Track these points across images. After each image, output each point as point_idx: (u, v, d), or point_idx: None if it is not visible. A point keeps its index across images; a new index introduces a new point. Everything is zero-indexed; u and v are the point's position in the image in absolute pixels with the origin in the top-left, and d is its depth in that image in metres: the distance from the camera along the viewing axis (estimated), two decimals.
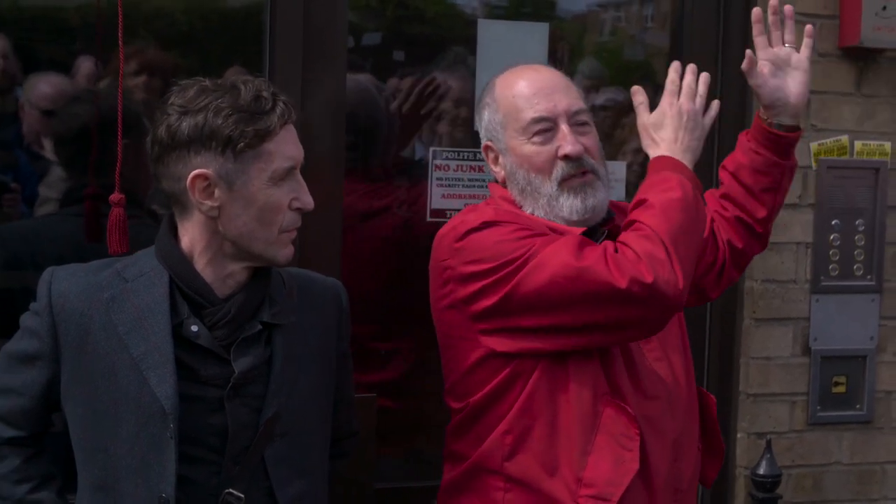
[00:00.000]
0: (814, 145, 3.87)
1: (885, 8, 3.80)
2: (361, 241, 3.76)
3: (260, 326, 2.47)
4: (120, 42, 2.80)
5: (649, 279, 2.52)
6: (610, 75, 4.10)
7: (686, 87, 2.80)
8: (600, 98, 4.01)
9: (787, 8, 3.01)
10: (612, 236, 2.78)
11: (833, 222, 3.90)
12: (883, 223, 3.95)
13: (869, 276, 3.96)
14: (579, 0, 4.10)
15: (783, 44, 3.00)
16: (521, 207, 2.79)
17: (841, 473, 3.98)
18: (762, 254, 3.77)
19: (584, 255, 2.57)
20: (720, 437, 2.98)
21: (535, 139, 2.76)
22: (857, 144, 3.91)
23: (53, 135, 3.40)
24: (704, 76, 2.84)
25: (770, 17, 2.98)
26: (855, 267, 3.94)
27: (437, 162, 3.75)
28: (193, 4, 3.66)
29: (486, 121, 2.85)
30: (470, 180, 3.76)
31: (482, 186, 3.75)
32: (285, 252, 2.47)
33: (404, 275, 3.87)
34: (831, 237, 3.91)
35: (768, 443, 3.69)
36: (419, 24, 3.97)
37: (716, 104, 2.86)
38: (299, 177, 2.46)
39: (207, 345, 2.41)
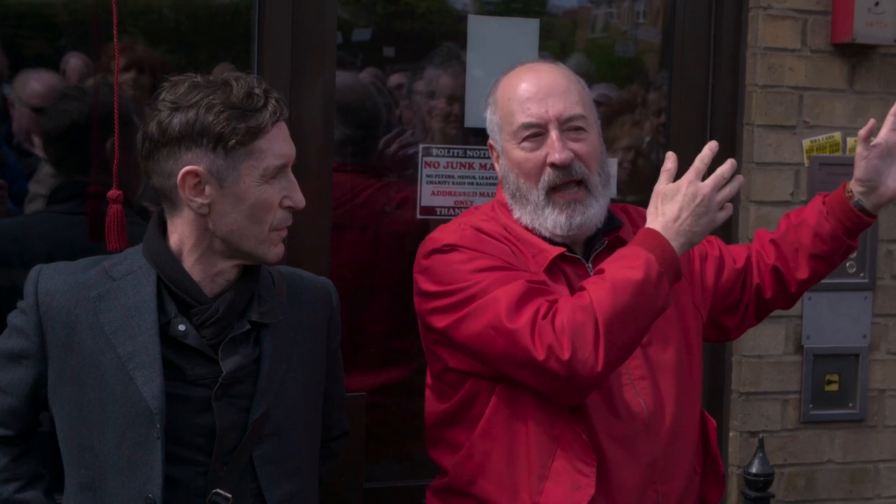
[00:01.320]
0: (806, 142, 3.86)
1: (877, 4, 3.80)
2: (351, 239, 3.74)
3: (248, 326, 2.45)
4: (115, 38, 2.79)
5: (565, 356, 2.49)
6: (601, 71, 4.09)
7: (717, 174, 2.63)
8: (591, 94, 3.99)
9: None
10: (614, 247, 2.77)
11: None
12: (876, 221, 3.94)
13: (862, 274, 3.95)
14: None
15: None
16: (511, 210, 2.78)
17: (833, 472, 3.97)
18: None
19: (517, 316, 2.54)
20: (719, 463, 2.95)
21: (525, 145, 2.74)
22: (850, 141, 3.90)
23: (43, 132, 3.38)
24: (738, 178, 2.69)
25: None
26: (848, 264, 3.93)
27: (428, 159, 3.73)
28: (181, 1, 3.64)
29: (488, 120, 2.86)
30: (460, 177, 3.74)
31: (472, 184, 3.74)
32: (276, 250, 2.45)
33: (394, 273, 3.86)
34: None
35: (761, 441, 3.68)
36: (409, 20, 3.95)
37: (730, 198, 2.69)
38: (291, 175, 2.45)
39: (195, 344, 2.39)
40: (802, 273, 2.96)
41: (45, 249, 3.22)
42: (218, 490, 2.39)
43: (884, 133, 2.88)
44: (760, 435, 3.74)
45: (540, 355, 2.51)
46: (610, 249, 2.78)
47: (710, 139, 3.83)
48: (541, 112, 2.73)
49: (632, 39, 4.14)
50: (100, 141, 3.19)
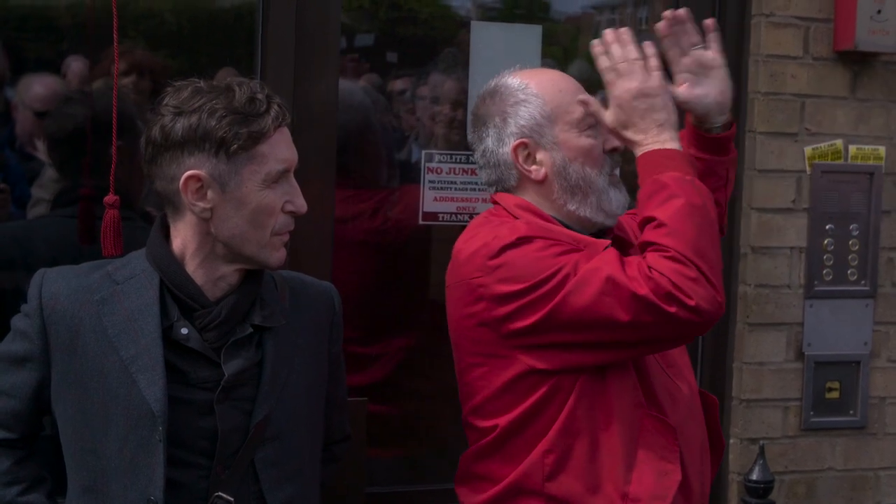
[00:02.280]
0: (808, 150, 3.86)
1: (879, 11, 3.80)
2: (353, 244, 3.74)
3: (251, 329, 2.46)
4: (115, 43, 2.79)
5: (691, 303, 2.48)
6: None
7: (622, 65, 2.69)
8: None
9: (679, 13, 2.88)
10: (616, 245, 2.76)
11: (827, 227, 3.89)
12: (877, 228, 3.95)
13: (863, 281, 3.95)
14: (573, 2, 4.09)
15: (693, 46, 2.89)
16: (564, 205, 2.74)
17: (834, 479, 3.97)
18: (756, 258, 3.78)
19: (630, 275, 2.52)
20: (722, 437, 2.95)
21: (589, 132, 2.73)
22: (852, 149, 3.91)
23: (47, 136, 3.39)
24: (647, 44, 2.72)
25: (671, 28, 2.87)
26: (849, 272, 3.93)
27: (430, 164, 3.73)
28: (184, 5, 3.64)
29: (523, 118, 2.75)
30: (463, 183, 3.74)
31: (475, 189, 3.73)
32: (277, 255, 2.46)
33: (397, 278, 3.86)
34: (825, 242, 3.90)
35: (761, 448, 3.68)
36: (412, 25, 3.96)
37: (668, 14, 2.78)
38: (293, 180, 2.45)
39: (197, 347, 2.40)
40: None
41: (48, 253, 3.22)
42: (220, 493, 2.39)
43: (678, 69, 2.89)
44: (761, 442, 3.74)
45: (671, 308, 2.49)
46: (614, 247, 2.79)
47: None
48: (593, 101, 2.76)
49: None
50: (97, 145, 3.19)
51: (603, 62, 2.72)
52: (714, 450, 2.92)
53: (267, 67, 3.41)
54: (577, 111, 2.73)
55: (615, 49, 2.70)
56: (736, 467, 3.88)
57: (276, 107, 2.40)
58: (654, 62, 2.70)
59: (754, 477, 3.66)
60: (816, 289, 3.90)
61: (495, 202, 2.81)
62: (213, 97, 2.38)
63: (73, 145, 3.33)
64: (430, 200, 3.73)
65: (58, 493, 2.56)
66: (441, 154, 3.75)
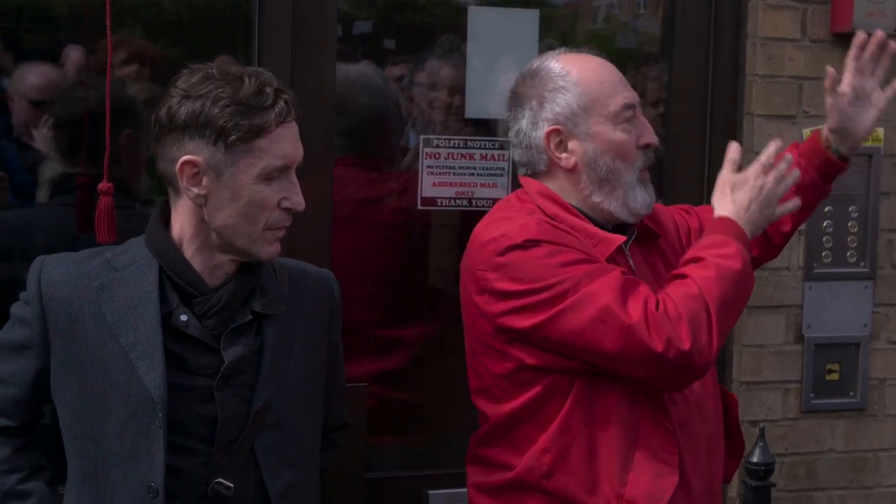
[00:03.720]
0: (806, 131, 3.85)
1: None
2: (352, 230, 3.75)
3: (250, 316, 2.46)
4: (108, 31, 2.79)
5: (686, 346, 2.50)
6: None
7: (778, 171, 2.71)
8: None
9: (894, 45, 2.94)
10: (640, 238, 2.81)
11: (826, 209, 3.89)
12: (876, 209, 3.95)
13: (862, 263, 3.95)
14: None
15: (871, 75, 2.94)
16: (589, 196, 2.74)
17: (834, 461, 3.97)
18: None
19: (628, 309, 2.53)
20: (742, 436, 2.97)
21: (625, 126, 2.72)
22: None
23: (49, 124, 3.39)
24: (795, 173, 2.76)
25: (871, 48, 2.92)
26: (848, 254, 3.93)
27: (428, 150, 3.73)
28: None
29: (560, 105, 2.74)
30: (461, 168, 3.74)
31: (473, 174, 3.74)
32: (269, 249, 2.45)
33: (395, 263, 3.86)
34: (824, 224, 3.90)
35: (761, 431, 3.69)
36: (410, 12, 3.95)
37: (793, 203, 2.80)
38: (293, 177, 2.43)
39: (197, 334, 2.40)
40: (786, 226, 3.04)
41: (46, 242, 3.22)
42: (220, 480, 2.39)
43: (847, 79, 2.93)
44: (761, 424, 3.74)
45: (659, 347, 2.50)
46: (639, 239, 2.82)
47: (710, 129, 3.87)
48: (633, 95, 2.76)
49: (632, 30, 4.14)
50: (96, 133, 3.19)
51: (770, 152, 2.74)
52: (734, 448, 2.94)
53: (264, 55, 3.41)
54: (614, 104, 2.73)
55: (783, 164, 2.73)
56: None
57: (282, 102, 2.38)
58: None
59: (755, 459, 3.66)
60: (816, 271, 3.90)
61: (523, 185, 2.83)
62: (221, 85, 2.37)
63: (76, 133, 3.33)
64: (429, 185, 3.73)
65: (57, 481, 2.56)
66: (439, 139, 3.75)
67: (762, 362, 3.88)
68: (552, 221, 2.68)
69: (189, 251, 2.44)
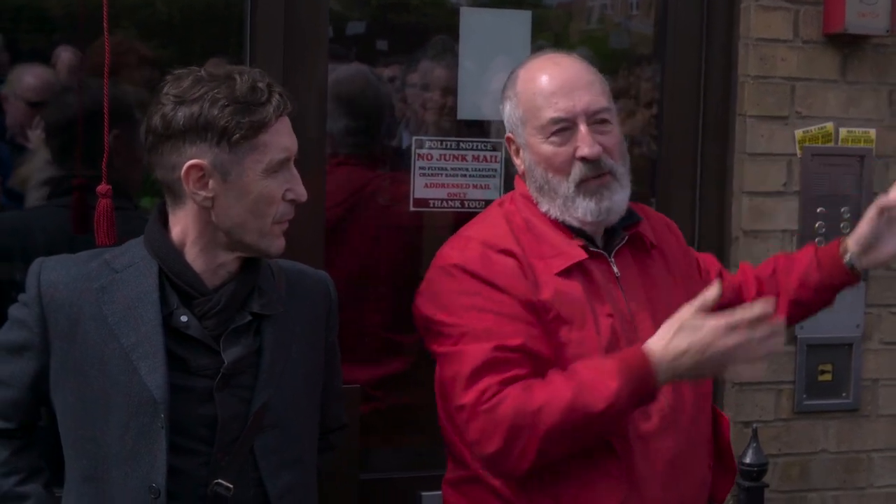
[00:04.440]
0: (798, 132, 3.86)
1: None
2: (345, 231, 3.75)
3: (250, 317, 2.46)
4: (105, 33, 2.79)
5: (491, 449, 2.52)
6: (594, 64, 4.08)
7: (747, 339, 2.48)
8: None
9: None
10: (633, 242, 2.79)
11: (818, 210, 3.90)
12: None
13: None
14: None
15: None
16: (537, 204, 2.76)
17: (827, 462, 3.98)
18: (747, 241, 3.79)
19: (467, 390, 2.55)
20: (733, 458, 2.95)
21: (554, 139, 2.71)
22: (842, 131, 3.91)
23: (44, 126, 3.39)
24: (773, 344, 2.52)
25: None
26: None
27: (421, 151, 3.73)
28: None
29: (507, 114, 2.81)
30: (453, 169, 3.74)
31: (465, 176, 3.74)
32: (278, 243, 2.46)
33: (388, 265, 3.86)
34: (817, 224, 3.90)
35: (754, 431, 3.69)
36: (403, 12, 3.95)
37: (757, 369, 2.55)
38: (293, 168, 2.45)
39: (197, 335, 2.40)
40: (780, 316, 2.94)
41: (45, 243, 3.22)
42: (220, 480, 2.40)
43: (892, 198, 2.84)
44: (754, 425, 3.74)
45: (472, 436, 2.55)
46: (631, 244, 2.79)
47: (703, 130, 3.87)
48: (569, 106, 2.70)
49: (625, 31, 4.14)
50: (92, 135, 3.19)
51: (745, 315, 2.50)
52: (725, 469, 2.92)
53: (256, 56, 3.42)
54: (543, 117, 2.71)
55: (754, 322, 2.49)
56: None
57: (277, 96, 2.40)
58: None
59: (748, 460, 3.67)
60: None
61: (516, 186, 2.87)
62: (215, 86, 2.37)
63: (71, 135, 3.33)
64: (421, 187, 3.73)
65: (55, 483, 2.56)
66: (431, 140, 3.75)
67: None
68: (488, 245, 2.69)
69: (192, 253, 2.44)
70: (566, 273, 2.68)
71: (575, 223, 2.73)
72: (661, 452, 2.68)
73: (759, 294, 3.00)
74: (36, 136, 3.43)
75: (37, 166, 3.45)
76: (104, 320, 2.39)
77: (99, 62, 2.86)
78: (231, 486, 2.41)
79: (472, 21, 3.77)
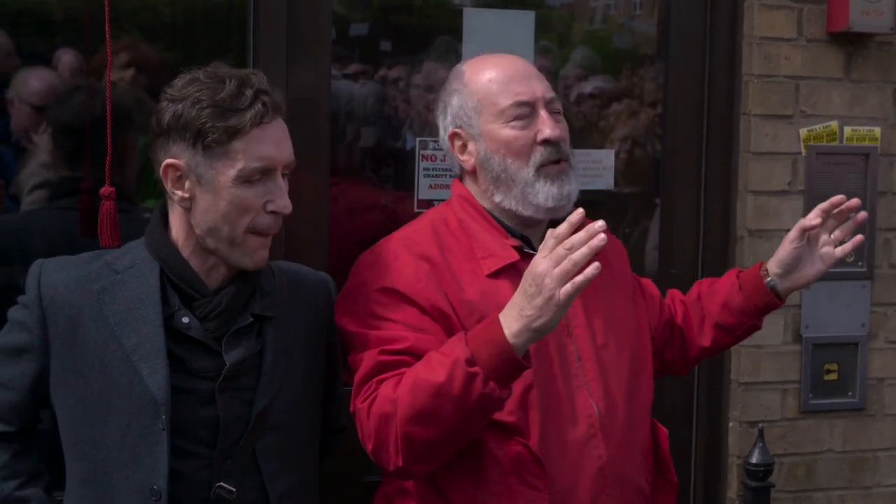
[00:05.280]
0: (803, 131, 3.85)
1: None
2: (348, 233, 3.74)
3: (251, 318, 2.46)
4: (107, 36, 2.78)
5: (370, 447, 2.50)
6: (600, 64, 4.09)
7: (560, 250, 2.32)
8: (588, 86, 3.99)
9: (862, 215, 2.91)
10: None
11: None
12: (873, 209, 3.94)
13: (860, 263, 3.95)
14: None
15: (829, 234, 2.90)
16: (492, 196, 2.73)
17: (833, 461, 3.97)
18: (752, 241, 3.79)
19: (357, 394, 2.54)
20: (673, 473, 2.91)
21: (514, 123, 2.70)
22: (847, 130, 3.90)
23: (51, 129, 3.39)
24: (595, 235, 2.31)
25: (839, 208, 2.88)
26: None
27: (425, 152, 3.72)
28: None
29: (455, 107, 2.77)
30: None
31: None
32: (254, 256, 2.44)
33: None
34: None
35: (760, 431, 3.69)
36: (406, 14, 3.95)
37: (592, 268, 2.30)
38: (278, 179, 2.42)
39: (199, 336, 2.40)
40: (705, 340, 3.02)
41: (45, 246, 3.21)
42: (222, 483, 2.40)
43: (812, 220, 2.86)
44: (760, 425, 3.74)
45: (361, 437, 2.53)
46: None
47: (707, 129, 3.87)
48: (528, 91, 2.71)
49: (628, 31, 4.13)
50: (94, 137, 3.19)
51: (559, 229, 2.36)
52: (665, 485, 2.88)
53: (259, 58, 3.41)
54: (503, 102, 2.71)
55: (576, 236, 2.31)
56: (735, 450, 3.88)
57: (259, 104, 2.37)
58: (578, 278, 2.29)
59: (754, 460, 3.67)
60: None
61: (453, 190, 2.85)
62: (203, 87, 2.37)
63: (75, 138, 3.33)
64: (425, 188, 3.72)
65: (55, 487, 2.56)
66: (435, 141, 3.73)
67: (760, 363, 3.87)
68: (408, 241, 2.69)
69: (185, 253, 2.44)
70: (496, 274, 2.66)
71: (531, 212, 2.70)
72: (590, 460, 2.65)
73: (685, 317, 3.05)
74: (41, 139, 3.42)
75: (38, 169, 3.44)
76: (105, 321, 2.38)
77: (103, 65, 2.86)
78: (233, 489, 2.41)
79: (476, 22, 3.77)
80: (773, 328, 3.87)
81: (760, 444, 3.67)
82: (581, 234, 2.31)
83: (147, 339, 2.36)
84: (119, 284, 2.42)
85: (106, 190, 2.70)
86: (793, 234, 2.88)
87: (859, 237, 2.91)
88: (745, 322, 2.99)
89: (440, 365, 2.38)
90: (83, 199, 3.22)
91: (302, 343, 2.57)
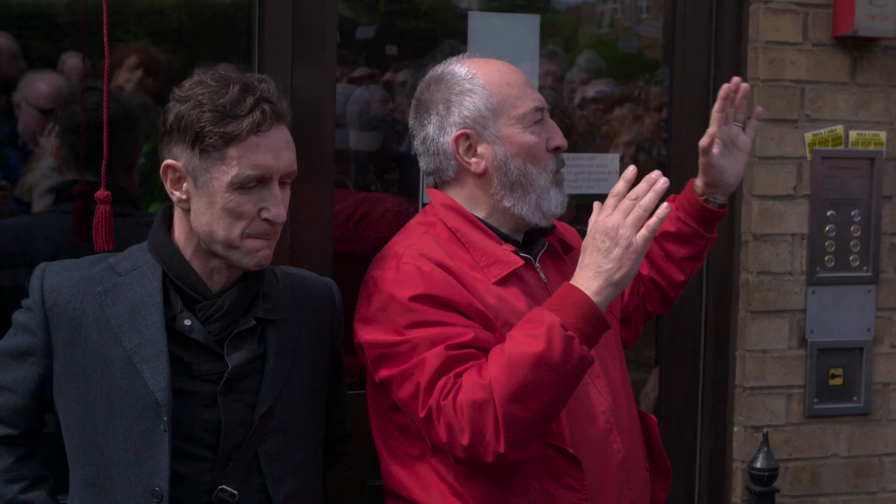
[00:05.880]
0: (808, 136, 3.85)
1: None
2: (353, 238, 3.74)
3: (254, 322, 2.46)
4: (105, 39, 2.79)
5: (465, 441, 2.43)
6: (606, 68, 4.09)
7: (626, 202, 2.47)
8: (591, 90, 4.00)
9: (745, 86, 2.99)
10: (550, 251, 2.79)
11: (828, 213, 3.89)
12: (879, 213, 3.94)
13: (865, 267, 3.95)
14: None
15: (735, 121, 2.99)
16: (500, 201, 2.71)
17: (838, 466, 3.96)
18: (757, 245, 3.77)
19: (428, 396, 2.47)
20: (665, 457, 2.92)
21: (534, 129, 2.70)
22: (852, 134, 3.90)
23: (57, 132, 3.39)
24: (663, 207, 2.48)
25: (738, 98, 2.98)
26: (851, 258, 3.92)
27: None
28: (183, 0, 3.64)
29: (468, 108, 2.71)
30: None
31: None
32: (254, 258, 2.43)
33: None
34: (827, 228, 3.89)
35: (765, 436, 3.68)
36: (413, 18, 3.95)
37: (663, 209, 2.48)
38: (274, 187, 2.41)
39: (201, 339, 2.40)
40: (678, 276, 3.07)
41: (49, 249, 3.22)
42: (224, 486, 2.40)
43: (717, 133, 2.95)
44: (765, 429, 3.73)
45: (443, 437, 2.46)
46: (547, 250, 2.79)
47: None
48: (539, 97, 2.74)
49: (634, 35, 4.13)
50: (95, 140, 3.20)
51: (617, 187, 2.51)
52: (659, 471, 2.90)
53: (264, 62, 3.41)
54: (523, 106, 2.70)
55: (639, 186, 2.48)
56: (740, 455, 3.88)
57: (258, 112, 2.36)
58: (652, 220, 2.46)
59: (758, 465, 3.66)
60: (818, 275, 3.89)
61: (429, 198, 2.80)
62: (206, 90, 2.38)
63: (79, 141, 3.33)
64: None
65: (59, 491, 2.56)
66: None
67: (765, 367, 3.87)
68: (424, 256, 2.62)
69: (187, 254, 2.45)
70: (503, 281, 2.66)
71: (537, 219, 2.72)
72: (612, 455, 2.67)
73: (650, 266, 3.08)
74: (48, 142, 3.43)
75: (49, 172, 3.45)
76: (107, 323, 2.39)
77: (112, 68, 2.86)
78: (235, 492, 2.41)
79: (481, 26, 3.77)
80: (779, 333, 3.87)
81: (765, 449, 3.66)
82: (643, 184, 2.47)
83: (149, 341, 2.36)
84: (121, 287, 2.42)
85: (101, 193, 2.71)
86: (701, 160, 2.95)
87: (759, 109, 3.09)
88: (704, 243, 3.05)
89: (532, 337, 2.41)
90: (77, 202, 3.22)
91: (305, 347, 2.57)
